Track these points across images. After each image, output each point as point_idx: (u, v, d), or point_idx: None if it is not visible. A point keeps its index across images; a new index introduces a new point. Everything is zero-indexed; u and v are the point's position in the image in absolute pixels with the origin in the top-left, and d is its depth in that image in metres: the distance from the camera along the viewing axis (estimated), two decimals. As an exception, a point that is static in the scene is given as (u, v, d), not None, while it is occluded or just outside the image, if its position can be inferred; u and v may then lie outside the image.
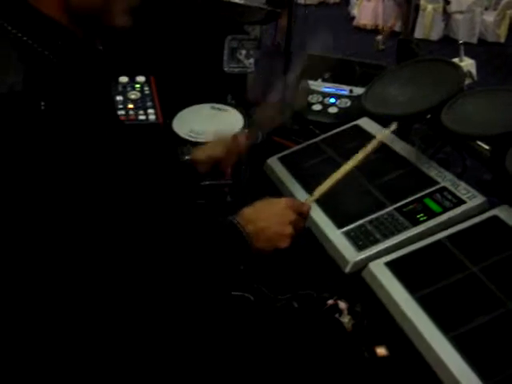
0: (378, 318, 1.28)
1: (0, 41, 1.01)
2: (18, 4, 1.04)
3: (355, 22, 11.21)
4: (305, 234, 1.50)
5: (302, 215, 1.30)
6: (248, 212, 1.26)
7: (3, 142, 0.91)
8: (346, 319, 1.33)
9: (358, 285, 1.35)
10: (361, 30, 11.34)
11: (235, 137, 1.60)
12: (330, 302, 1.37)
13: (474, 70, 1.91)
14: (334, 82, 2.42)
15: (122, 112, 1.96)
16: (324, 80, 2.50)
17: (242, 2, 2.14)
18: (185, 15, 2.20)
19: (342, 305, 1.35)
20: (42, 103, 0.94)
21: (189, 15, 2.21)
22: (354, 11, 12.31)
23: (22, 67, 0.97)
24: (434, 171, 1.55)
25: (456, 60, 1.90)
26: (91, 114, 1.08)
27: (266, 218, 1.25)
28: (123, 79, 2.08)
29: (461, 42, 1.97)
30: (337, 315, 1.35)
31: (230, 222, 1.21)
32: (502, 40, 10.24)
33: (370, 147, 1.39)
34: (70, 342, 1.03)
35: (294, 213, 1.27)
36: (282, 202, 1.29)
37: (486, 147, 1.58)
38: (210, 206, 1.82)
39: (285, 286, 1.44)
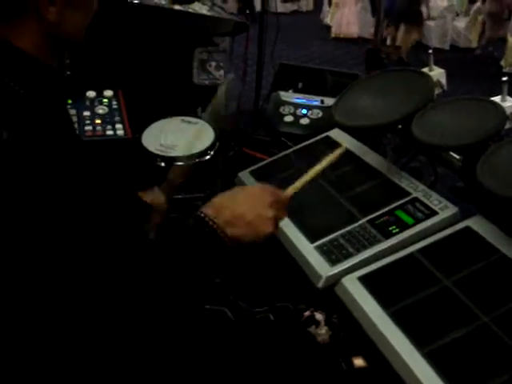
0: (355, 329, 1.27)
1: None
2: None
3: (333, 33, 11.22)
4: (279, 245, 1.49)
5: (280, 200, 1.23)
6: (220, 200, 1.18)
7: None
8: (323, 330, 1.31)
9: (333, 296, 1.34)
10: (335, 38, 11.42)
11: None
12: (307, 313, 1.35)
13: (443, 80, 1.91)
14: (306, 91, 2.41)
15: (89, 127, 1.93)
16: (296, 90, 2.49)
17: (210, 13, 2.13)
18: (153, 27, 2.18)
19: (319, 316, 1.34)
20: (5, 133, 0.92)
21: (157, 27, 2.19)
22: (327, 19, 12.41)
23: None
24: (405, 182, 1.54)
25: (426, 69, 1.90)
26: (52, 139, 1.07)
27: (242, 202, 1.17)
28: (90, 94, 2.05)
29: (430, 51, 1.97)
30: (313, 327, 1.33)
31: (196, 217, 1.12)
32: (474, 45, 10.41)
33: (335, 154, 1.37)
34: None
35: (272, 196, 1.21)
36: (256, 186, 1.25)
37: (457, 157, 1.57)
38: (183, 219, 1.79)
39: (261, 299, 1.42)
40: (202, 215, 1.11)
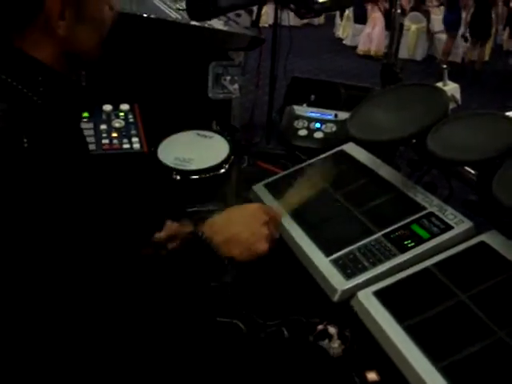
0: (368, 342, 1.26)
1: None
2: (4, 47, 1.06)
3: (359, 50, 11.15)
4: (293, 258, 1.50)
5: (274, 219, 1.29)
6: (216, 221, 1.23)
7: None
8: (335, 344, 1.31)
9: (346, 310, 1.34)
10: (346, 50, 11.43)
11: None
12: (320, 327, 1.35)
13: (458, 95, 1.92)
14: (319, 104, 2.42)
15: (106, 141, 1.95)
16: (309, 103, 2.50)
17: (225, 28, 2.15)
18: (169, 42, 2.20)
19: (332, 330, 1.34)
20: (25, 140, 0.94)
21: (173, 42, 2.21)
22: (339, 33, 12.44)
23: (4, 106, 0.98)
24: (420, 196, 1.55)
25: (440, 84, 1.91)
26: (68, 149, 1.09)
27: (236, 223, 1.22)
28: (107, 107, 2.07)
29: (444, 66, 1.98)
30: (326, 340, 1.33)
31: (194, 235, 1.18)
32: (486, 58, 10.37)
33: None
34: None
35: (266, 214, 1.26)
36: (251, 205, 1.29)
37: (473, 171, 1.58)
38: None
39: (274, 312, 1.42)
40: (199, 234, 1.16)
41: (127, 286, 1.09)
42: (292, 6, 1.38)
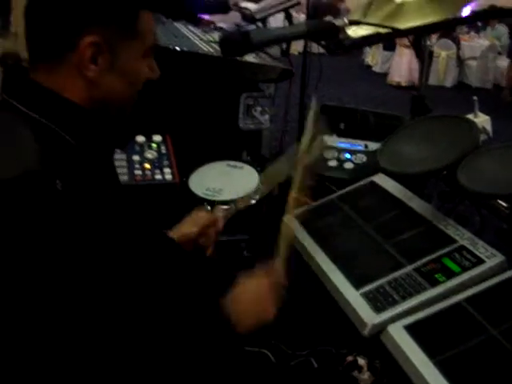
0: (398, 375, 1.26)
1: (15, 123, 1.04)
2: (37, 88, 1.08)
3: (388, 80, 11.12)
4: (323, 290, 1.50)
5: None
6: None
7: (21, 222, 0.93)
8: (365, 376, 1.31)
9: (376, 341, 1.33)
10: (375, 77, 11.42)
11: (213, 217, 1.63)
12: (350, 358, 1.35)
13: (488, 127, 1.91)
14: (349, 132, 2.43)
15: (138, 172, 1.98)
16: (338, 131, 2.51)
17: (256, 60, 2.18)
18: (201, 74, 2.24)
19: (362, 361, 1.34)
20: (58, 182, 0.96)
21: (205, 74, 2.24)
22: (368, 59, 12.45)
23: (38, 148, 1.00)
24: (451, 229, 1.54)
25: (471, 116, 1.90)
26: (101, 185, 1.11)
27: (246, 301, 1.29)
28: (140, 139, 2.10)
29: (475, 98, 1.98)
30: (356, 372, 1.33)
31: None
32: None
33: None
34: None
35: (270, 279, 1.32)
36: (256, 275, 1.33)
37: (505, 204, 1.57)
38: (226, 261, 1.82)
39: (303, 342, 1.42)
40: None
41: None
42: (323, 42, 1.40)
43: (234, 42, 1.44)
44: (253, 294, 1.29)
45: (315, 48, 3.73)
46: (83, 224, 0.98)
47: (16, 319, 0.94)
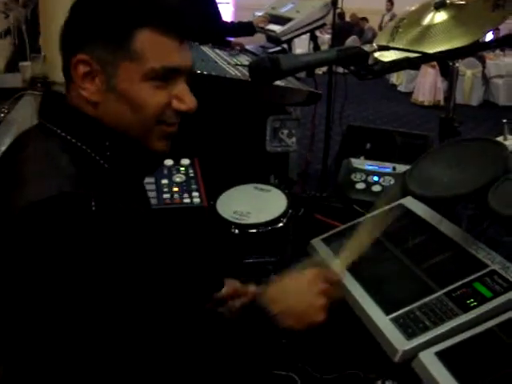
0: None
1: (51, 145, 1.06)
2: (72, 111, 1.09)
3: (412, 99, 11.08)
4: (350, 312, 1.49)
5: (333, 283, 1.30)
6: (273, 291, 1.25)
7: (56, 240, 0.94)
8: (393, 401, 1.30)
9: (406, 366, 1.31)
10: (400, 96, 11.39)
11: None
12: (378, 383, 1.34)
13: (519, 149, 1.89)
14: (375, 152, 2.43)
15: (167, 195, 1.99)
16: (365, 151, 2.51)
17: (282, 83, 2.19)
18: (228, 98, 2.25)
19: (390, 386, 1.32)
20: (93, 203, 0.97)
21: (232, 98, 2.25)
22: (393, 79, 12.44)
23: (73, 170, 1.02)
24: (482, 253, 1.52)
25: (500, 139, 1.89)
26: (133, 207, 1.12)
27: (292, 293, 1.24)
28: (168, 162, 2.12)
29: (504, 121, 1.96)
30: (384, 397, 1.32)
31: (253, 306, 1.21)
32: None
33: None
34: None
35: (323, 282, 1.27)
36: (307, 275, 1.28)
37: (536, 228, 1.55)
38: (253, 283, 1.81)
39: (331, 366, 1.41)
40: (260, 306, 1.19)
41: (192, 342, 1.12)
42: (352, 67, 1.40)
43: (264, 69, 1.44)
44: (295, 295, 1.25)
45: (340, 67, 3.75)
46: (116, 244, 1.00)
47: (39, 335, 0.98)
